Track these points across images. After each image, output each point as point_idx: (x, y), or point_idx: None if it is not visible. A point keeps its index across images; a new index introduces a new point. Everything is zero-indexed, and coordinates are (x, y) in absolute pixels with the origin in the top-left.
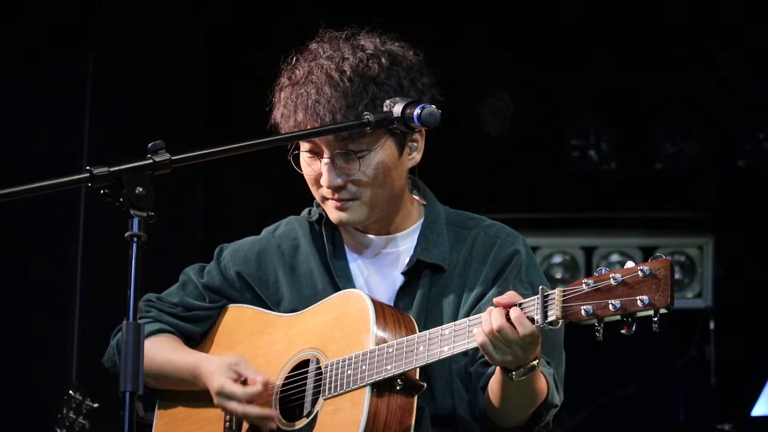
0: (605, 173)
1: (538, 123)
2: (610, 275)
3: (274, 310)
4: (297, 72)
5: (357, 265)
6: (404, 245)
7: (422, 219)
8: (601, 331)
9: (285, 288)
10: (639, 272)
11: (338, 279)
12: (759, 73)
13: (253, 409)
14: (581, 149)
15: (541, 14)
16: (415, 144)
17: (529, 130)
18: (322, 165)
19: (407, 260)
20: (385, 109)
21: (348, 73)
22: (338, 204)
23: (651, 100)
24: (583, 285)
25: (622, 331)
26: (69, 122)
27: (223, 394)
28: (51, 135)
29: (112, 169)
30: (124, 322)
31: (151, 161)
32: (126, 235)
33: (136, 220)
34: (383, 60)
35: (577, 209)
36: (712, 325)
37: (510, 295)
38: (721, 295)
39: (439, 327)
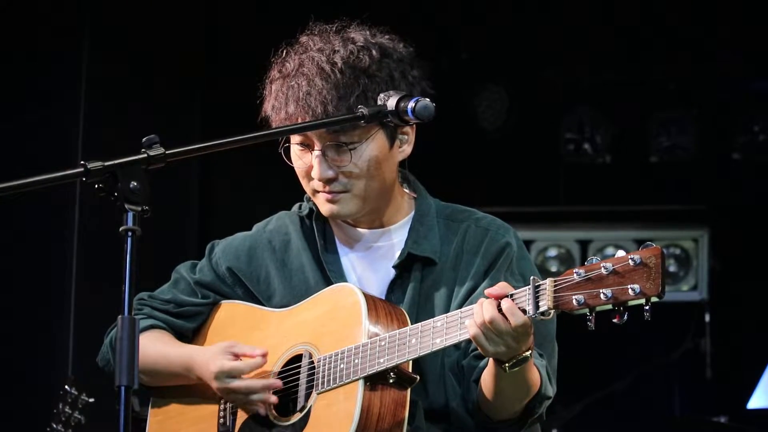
0: (600, 166)
1: (533, 116)
2: (601, 264)
3: (266, 306)
4: (287, 65)
5: (348, 259)
6: (395, 239)
7: (413, 212)
8: (593, 320)
9: (277, 283)
10: (630, 261)
11: (330, 273)
12: (754, 66)
13: (257, 382)
14: (576, 142)
15: (537, 9)
16: (406, 137)
17: (523, 123)
18: (313, 157)
19: (398, 254)
20: (379, 102)
21: (339, 64)
22: (329, 196)
23: (646, 93)
24: (574, 275)
25: (614, 320)
26: (64, 118)
27: (225, 373)
28: (46, 131)
29: (106, 163)
30: (119, 316)
31: (145, 155)
32: (121, 229)
33: (130, 215)
34: (374, 52)
35: (573, 202)
36: (707, 318)
37: (501, 286)
38: (717, 287)
39: (431, 319)
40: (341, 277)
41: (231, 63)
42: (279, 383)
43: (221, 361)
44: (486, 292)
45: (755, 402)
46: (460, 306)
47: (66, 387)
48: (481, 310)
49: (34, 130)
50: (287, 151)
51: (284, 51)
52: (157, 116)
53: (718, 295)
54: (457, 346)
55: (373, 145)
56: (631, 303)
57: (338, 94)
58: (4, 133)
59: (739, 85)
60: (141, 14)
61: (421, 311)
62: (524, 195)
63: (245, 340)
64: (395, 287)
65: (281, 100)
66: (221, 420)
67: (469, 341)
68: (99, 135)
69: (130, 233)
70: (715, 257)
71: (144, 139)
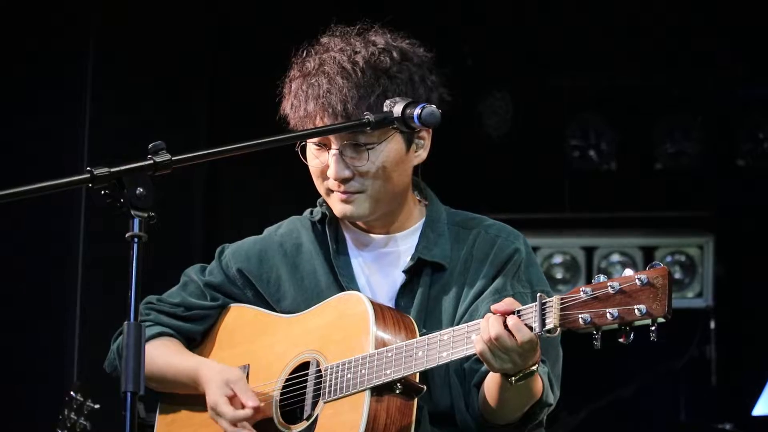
0: (605, 173)
1: (538, 123)
2: (608, 283)
3: (275, 309)
4: (308, 64)
5: (359, 263)
6: (405, 245)
7: (423, 219)
8: (599, 339)
9: (288, 286)
10: (636, 281)
11: (341, 277)
12: (758, 73)
13: None
14: (581, 149)
15: (541, 15)
16: (422, 141)
17: (528, 130)
18: (330, 156)
19: (408, 259)
20: (385, 108)
21: (360, 64)
22: (344, 196)
23: (651, 100)
24: (581, 293)
25: (620, 340)
26: (69, 123)
27: (215, 411)
28: (51, 136)
29: (112, 169)
30: (125, 322)
31: (151, 162)
32: (127, 235)
33: (136, 221)
34: (395, 54)
35: (578, 209)
36: (712, 325)
37: (508, 303)
38: (722, 294)
39: (438, 332)
40: (352, 281)
41: (235, 65)
42: None
43: (216, 397)
44: (492, 308)
45: (760, 409)
46: (467, 310)
47: (71, 393)
48: (488, 325)
49: (39, 135)
50: (303, 149)
51: (305, 51)
52: (161, 120)
53: (723, 301)
54: None
55: (391, 146)
56: (638, 323)
57: (359, 93)
58: (8, 139)
59: (744, 91)
60: (144, 17)
61: (430, 316)
62: (529, 202)
63: (253, 345)
64: (405, 291)
65: (301, 98)
66: None
67: None
68: (103, 140)
69: (136, 239)
70: (720, 264)
71: (150, 146)
